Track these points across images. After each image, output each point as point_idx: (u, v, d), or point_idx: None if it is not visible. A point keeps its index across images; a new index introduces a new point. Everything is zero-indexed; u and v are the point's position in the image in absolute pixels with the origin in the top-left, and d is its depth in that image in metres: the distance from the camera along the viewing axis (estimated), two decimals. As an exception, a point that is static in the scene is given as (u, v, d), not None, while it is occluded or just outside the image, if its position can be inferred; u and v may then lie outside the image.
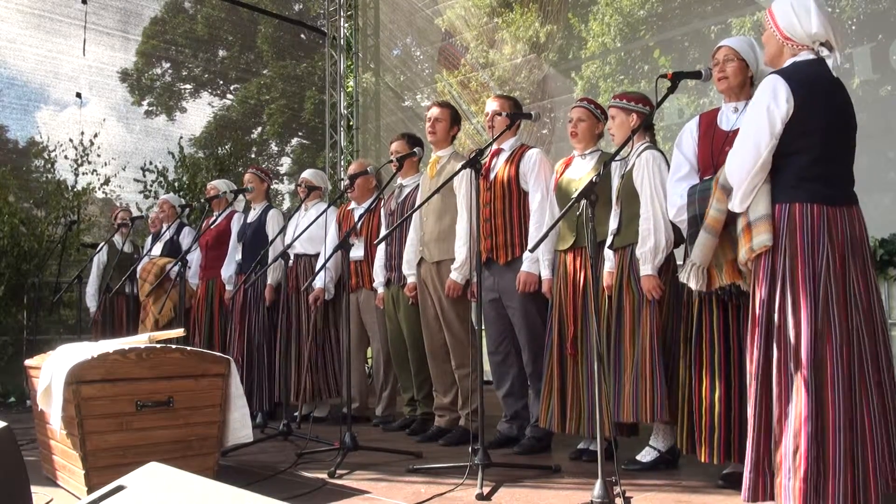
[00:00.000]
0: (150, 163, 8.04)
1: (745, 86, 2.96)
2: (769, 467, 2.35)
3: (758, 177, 2.43)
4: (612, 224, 3.37)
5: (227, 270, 5.46)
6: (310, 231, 4.87)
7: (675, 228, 3.21)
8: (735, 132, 2.89)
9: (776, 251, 2.39)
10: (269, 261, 4.89)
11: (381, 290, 4.68)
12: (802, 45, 2.50)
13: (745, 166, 2.43)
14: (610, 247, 3.36)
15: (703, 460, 2.88)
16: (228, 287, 5.45)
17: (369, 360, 6.12)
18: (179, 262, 4.62)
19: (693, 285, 2.74)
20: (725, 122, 2.98)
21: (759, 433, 2.37)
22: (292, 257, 5.11)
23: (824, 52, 2.48)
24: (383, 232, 4.66)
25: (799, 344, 2.31)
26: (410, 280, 4.35)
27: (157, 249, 6.06)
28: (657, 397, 3.07)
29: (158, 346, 3.09)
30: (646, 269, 3.16)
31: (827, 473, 2.24)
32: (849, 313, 2.35)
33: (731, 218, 2.59)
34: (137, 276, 5.96)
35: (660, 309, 3.17)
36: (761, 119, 2.41)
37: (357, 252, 4.82)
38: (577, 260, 3.54)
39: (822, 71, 2.46)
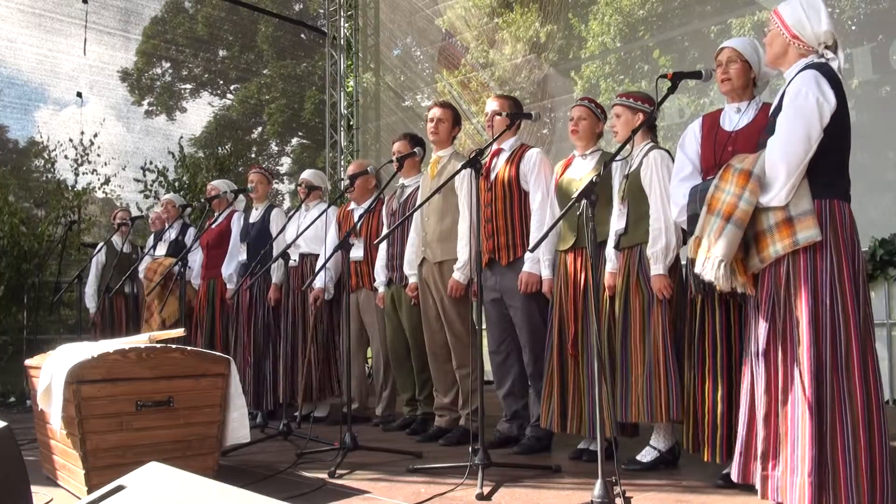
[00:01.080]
0: (151, 162, 8.04)
1: (748, 87, 2.96)
2: (830, 469, 2.31)
3: (804, 169, 2.41)
4: (618, 224, 3.36)
5: (228, 269, 5.46)
6: (315, 230, 4.88)
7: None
8: (738, 132, 2.90)
9: (819, 248, 2.38)
10: (271, 261, 4.89)
11: (381, 289, 4.68)
12: (809, 45, 2.52)
13: (796, 156, 2.39)
14: (616, 247, 3.36)
15: (706, 459, 2.88)
16: (230, 286, 5.45)
17: (369, 360, 6.12)
18: (180, 263, 4.62)
19: (724, 286, 2.59)
20: (728, 122, 2.98)
21: (819, 437, 2.32)
22: (297, 257, 5.11)
23: (829, 55, 2.50)
24: (383, 232, 4.66)
25: (850, 343, 2.32)
26: (412, 280, 4.35)
27: (162, 249, 6.06)
28: (672, 397, 3.07)
29: (158, 346, 3.09)
30: (657, 268, 3.16)
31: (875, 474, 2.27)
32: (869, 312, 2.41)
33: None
34: (142, 275, 5.97)
35: (670, 308, 3.18)
36: (811, 110, 2.39)
37: (357, 252, 4.83)
38: (577, 260, 3.54)
39: (838, 74, 2.48)
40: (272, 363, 5.13)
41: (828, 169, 2.42)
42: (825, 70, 2.45)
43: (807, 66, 2.48)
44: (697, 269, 2.62)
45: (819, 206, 2.41)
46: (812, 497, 2.28)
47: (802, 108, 2.40)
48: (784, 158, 2.40)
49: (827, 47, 2.50)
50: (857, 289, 2.35)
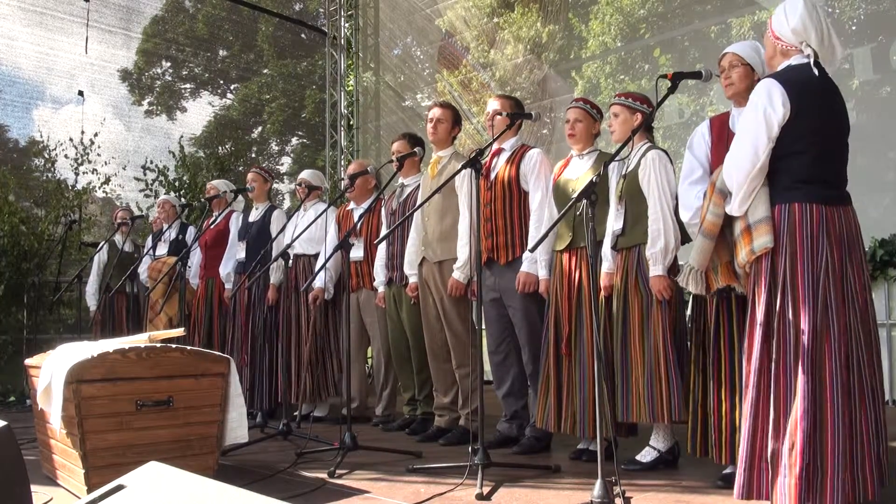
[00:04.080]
0: (151, 162, 8.04)
1: (752, 89, 2.97)
2: (765, 466, 2.35)
3: (756, 180, 2.45)
4: (616, 224, 3.36)
5: (226, 269, 5.47)
6: (309, 231, 4.87)
7: (682, 228, 3.21)
8: None
9: (777, 252, 2.41)
10: (270, 261, 4.89)
11: (381, 289, 4.68)
12: (790, 45, 2.52)
13: (743, 169, 2.45)
14: (614, 247, 3.36)
15: (715, 461, 2.88)
16: (228, 286, 5.45)
17: (369, 360, 6.12)
18: (179, 263, 4.63)
19: (692, 289, 2.74)
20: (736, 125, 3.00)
21: (755, 432, 2.38)
22: (292, 257, 5.11)
23: (807, 52, 2.49)
24: (384, 231, 4.66)
25: (799, 343, 2.32)
26: (412, 280, 4.35)
27: (162, 249, 6.07)
28: (674, 398, 3.07)
29: (158, 345, 3.09)
30: (657, 269, 3.16)
31: (825, 471, 2.25)
32: (846, 313, 2.37)
33: (727, 221, 2.60)
34: (144, 276, 5.98)
35: (670, 309, 3.17)
36: (758, 122, 2.43)
37: (357, 252, 4.82)
38: (573, 259, 3.53)
39: (813, 74, 2.47)
40: (269, 363, 5.13)
41: (790, 173, 2.43)
42: (785, 75, 2.46)
43: (776, 72, 2.50)
44: (680, 278, 2.77)
45: (778, 211, 2.43)
46: (742, 486, 2.36)
47: (750, 122, 2.46)
48: (734, 172, 2.47)
49: (809, 45, 2.50)
50: (815, 290, 2.34)
